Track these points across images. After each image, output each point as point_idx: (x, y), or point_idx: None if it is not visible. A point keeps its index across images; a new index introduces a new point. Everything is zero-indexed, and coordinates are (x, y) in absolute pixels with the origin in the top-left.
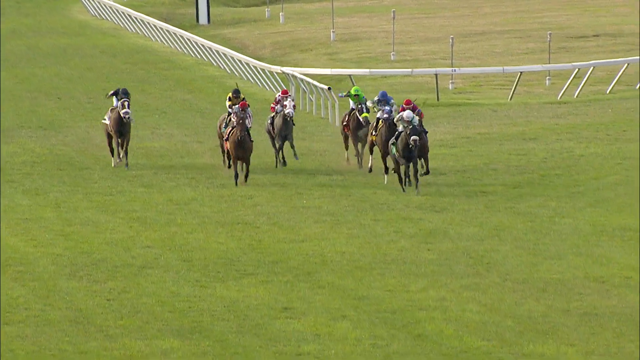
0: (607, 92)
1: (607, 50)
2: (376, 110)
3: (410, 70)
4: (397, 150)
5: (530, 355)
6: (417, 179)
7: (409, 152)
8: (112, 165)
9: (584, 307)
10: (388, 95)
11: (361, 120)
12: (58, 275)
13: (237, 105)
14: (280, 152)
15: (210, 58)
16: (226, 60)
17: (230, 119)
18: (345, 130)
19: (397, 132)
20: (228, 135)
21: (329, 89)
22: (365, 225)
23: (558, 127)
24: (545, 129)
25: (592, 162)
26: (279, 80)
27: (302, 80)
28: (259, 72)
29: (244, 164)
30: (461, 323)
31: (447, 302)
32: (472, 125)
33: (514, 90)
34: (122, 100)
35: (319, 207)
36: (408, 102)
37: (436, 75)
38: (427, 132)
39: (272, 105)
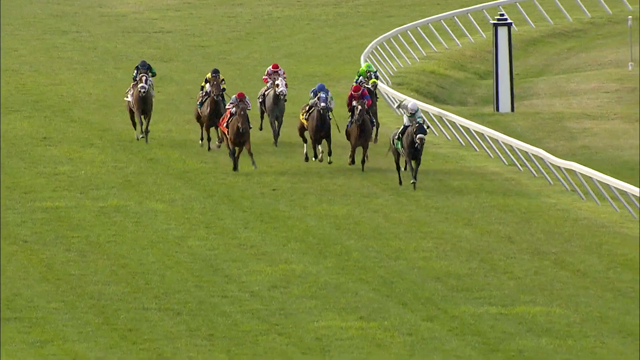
0: None
1: None
2: (311, 97)
3: None
4: (402, 147)
5: (237, 174)
6: (415, 175)
7: (415, 149)
8: (135, 138)
9: (283, 137)
10: (325, 88)
11: (370, 86)
12: None
13: (234, 96)
14: (276, 124)
15: None
16: None
17: (205, 98)
18: (304, 123)
19: (403, 127)
20: (227, 122)
21: None
22: (108, 72)
23: None
24: None
25: (287, 23)
26: None
27: None
28: None
29: (246, 149)
30: (185, 149)
31: (173, 133)
32: None
33: None
34: (141, 75)
35: (71, 58)
36: (357, 89)
37: None
38: (373, 121)
39: (264, 77)
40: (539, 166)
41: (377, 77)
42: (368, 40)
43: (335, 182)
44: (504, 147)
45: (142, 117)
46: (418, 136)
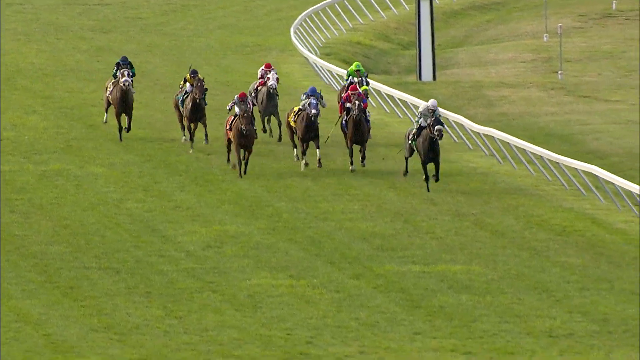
0: None
1: None
2: (303, 100)
3: None
4: (416, 147)
5: (173, 141)
6: (437, 175)
7: (432, 150)
8: (118, 135)
9: (216, 104)
10: (317, 91)
11: (361, 92)
12: None
13: (236, 96)
14: (266, 120)
15: None
16: None
17: (186, 96)
18: (292, 126)
19: (418, 127)
20: (230, 124)
21: None
22: (50, 42)
23: None
24: None
25: None
26: None
27: None
28: None
29: (246, 152)
30: (123, 115)
31: None
32: None
33: None
34: (123, 70)
35: (15, 29)
36: (354, 88)
37: None
38: (369, 120)
39: (260, 79)
40: (460, 132)
41: (367, 84)
42: (297, 13)
43: (267, 148)
44: None
45: (124, 114)
46: (436, 127)
